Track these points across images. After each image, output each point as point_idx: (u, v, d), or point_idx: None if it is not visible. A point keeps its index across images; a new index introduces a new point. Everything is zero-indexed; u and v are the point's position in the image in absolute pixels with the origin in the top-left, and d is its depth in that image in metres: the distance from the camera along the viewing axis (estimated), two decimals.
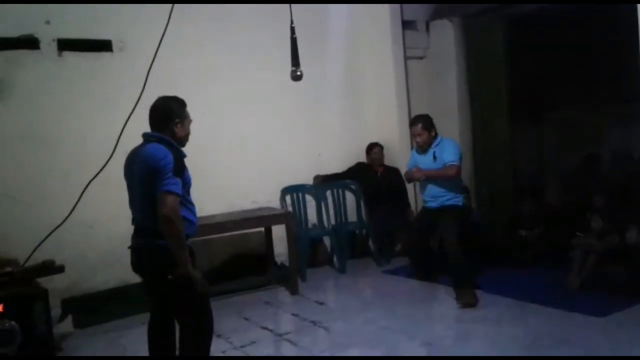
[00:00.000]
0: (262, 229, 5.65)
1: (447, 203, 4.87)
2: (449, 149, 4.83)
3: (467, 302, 4.54)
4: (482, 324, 4.17)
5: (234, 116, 5.69)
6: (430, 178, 4.85)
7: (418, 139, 4.88)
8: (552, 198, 7.48)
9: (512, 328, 3.98)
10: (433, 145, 4.88)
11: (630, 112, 6.93)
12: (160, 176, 2.65)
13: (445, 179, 4.80)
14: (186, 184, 2.83)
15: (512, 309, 4.37)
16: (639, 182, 6.15)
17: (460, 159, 4.83)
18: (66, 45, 4.83)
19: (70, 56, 4.86)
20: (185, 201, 2.83)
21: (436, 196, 4.90)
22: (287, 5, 3.59)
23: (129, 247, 3.00)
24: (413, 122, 4.99)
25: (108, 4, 4.94)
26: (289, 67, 3.68)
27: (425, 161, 4.92)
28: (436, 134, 4.93)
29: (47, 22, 4.75)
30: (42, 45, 4.73)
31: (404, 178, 5.19)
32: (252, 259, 5.61)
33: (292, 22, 3.61)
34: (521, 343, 3.69)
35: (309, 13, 5.54)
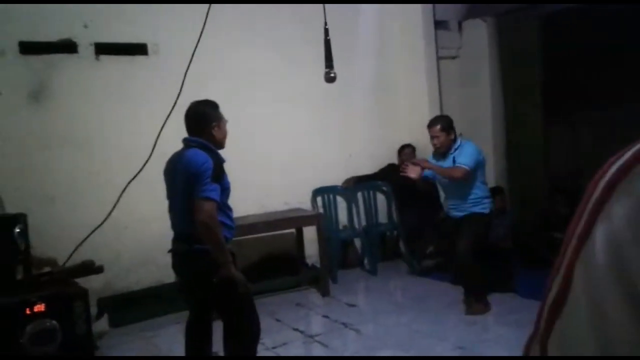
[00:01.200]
0: (294, 230, 5.67)
1: (473, 210, 4.58)
2: (466, 152, 4.52)
3: (476, 311, 4.49)
4: (515, 327, 4.11)
5: (266, 117, 5.73)
6: (431, 170, 4.59)
7: (435, 141, 4.58)
8: None
9: None
10: (452, 150, 4.58)
11: None
12: (199, 181, 2.70)
13: (449, 179, 4.53)
14: (225, 189, 2.88)
15: None
16: None
17: (477, 163, 4.52)
18: (103, 49, 4.94)
19: (107, 60, 4.97)
20: (224, 206, 2.88)
21: (459, 204, 4.64)
22: (320, 5, 3.59)
23: (169, 251, 3.04)
24: (431, 123, 4.66)
25: (143, 4, 5.02)
26: (320, 68, 3.69)
27: (446, 166, 4.59)
28: (456, 138, 4.63)
29: (85, 27, 4.86)
30: (80, 49, 4.85)
31: (401, 172, 4.74)
32: (284, 260, 5.63)
33: (325, 24, 3.61)
34: None
35: (341, 13, 5.54)
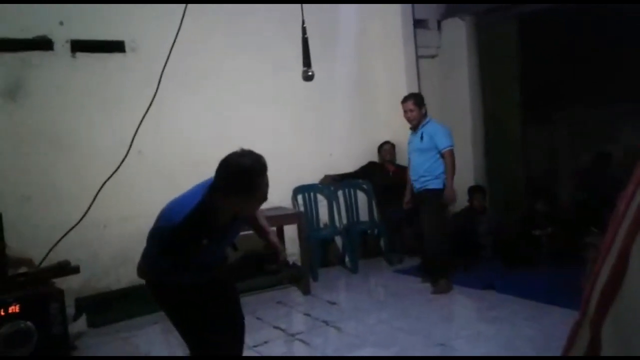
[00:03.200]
0: (274, 228, 5.65)
1: (430, 186, 4.96)
2: (441, 133, 4.98)
3: (440, 289, 4.91)
4: (495, 324, 4.15)
5: (245, 116, 5.70)
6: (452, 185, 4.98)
7: (409, 114, 5.04)
8: (564, 197, 7.42)
9: (525, 329, 3.96)
10: (421, 126, 5.04)
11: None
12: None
13: (452, 168, 4.94)
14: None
15: (526, 310, 4.35)
16: None
17: (452, 140, 5.01)
18: (79, 46, 4.87)
19: (84, 57, 4.90)
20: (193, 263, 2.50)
21: (420, 177, 5.03)
22: (298, 5, 3.58)
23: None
24: (405, 98, 5.13)
25: (120, 4, 4.97)
26: (300, 67, 3.68)
27: (416, 141, 5.08)
28: (426, 114, 5.09)
29: (61, 24, 4.80)
30: (55, 46, 4.78)
31: (449, 202, 5.11)
32: (260, 260, 5.59)
33: (303, 22, 3.60)
34: (535, 344, 3.67)
35: (319, 12, 5.53)
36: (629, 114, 7.09)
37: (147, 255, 2.58)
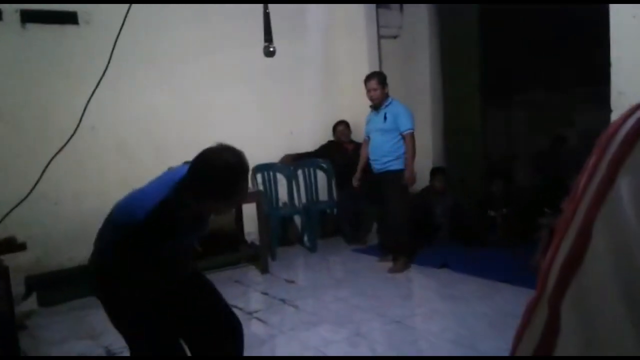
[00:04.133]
0: (233, 209, 5.61)
1: (391, 168, 4.99)
2: (404, 115, 4.99)
3: (398, 269, 5.00)
4: (450, 302, 4.23)
5: (204, 92, 5.60)
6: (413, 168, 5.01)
7: (372, 94, 5.02)
8: (521, 179, 7.59)
9: (480, 306, 4.04)
10: (384, 106, 5.04)
11: (597, 94, 7.02)
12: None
13: (413, 151, 4.97)
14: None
15: (481, 288, 4.44)
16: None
17: (414, 122, 5.05)
18: (30, 16, 4.68)
19: (34, 28, 4.71)
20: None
21: (381, 156, 5.04)
22: None
23: None
24: (368, 77, 5.10)
25: None
26: (262, 43, 3.62)
27: (377, 121, 5.08)
28: (388, 94, 5.09)
29: None
30: (4, 15, 4.58)
31: (409, 184, 5.10)
32: (222, 238, 5.56)
33: None
34: (489, 320, 3.75)
35: None
36: (584, 98, 7.27)
37: (102, 251, 2.29)
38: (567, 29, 6.79)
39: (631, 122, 0.45)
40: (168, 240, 2.19)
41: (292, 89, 6.30)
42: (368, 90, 5.05)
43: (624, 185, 0.43)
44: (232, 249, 5.56)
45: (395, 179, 4.96)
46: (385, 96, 5.05)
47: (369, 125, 5.20)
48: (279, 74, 6.02)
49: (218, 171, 2.02)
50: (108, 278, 2.27)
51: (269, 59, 3.73)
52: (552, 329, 0.45)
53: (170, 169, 2.38)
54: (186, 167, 2.12)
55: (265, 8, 3.57)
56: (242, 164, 2.08)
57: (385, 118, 5.01)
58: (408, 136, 4.95)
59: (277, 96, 6.18)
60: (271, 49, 3.62)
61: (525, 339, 0.48)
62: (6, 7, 4.58)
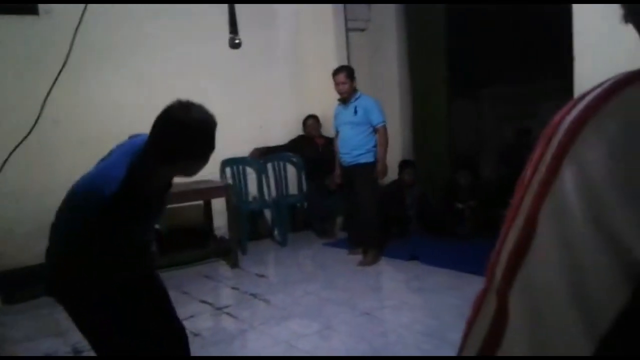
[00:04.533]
0: (202, 201, 5.55)
1: (362, 161, 5.00)
2: (375, 109, 5.02)
3: (368, 262, 5.02)
4: (419, 294, 4.27)
5: (170, 85, 5.50)
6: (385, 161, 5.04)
7: (340, 87, 5.03)
8: (487, 171, 7.69)
9: (448, 297, 4.09)
10: (353, 99, 5.05)
11: (560, 87, 7.14)
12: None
13: (386, 145, 5.01)
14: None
15: (450, 279, 4.49)
16: None
17: (384, 115, 5.08)
18: None
19: None
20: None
21: (351, 150, 5.05)
22: None
23: None
24: (337, 71, 5.10)
25: None
26: (227, 34, 3.58)
27: (347, 115, 5.08)
28: (356, 88, 5.10)
29: None
30: None
31: (381, 177, 5.16)
32: (192, 233, 5.51)
33: None
34: (458, 311, 3.78)
35: None
36: (549, 91, 7.39)
37: (59, 243, 2.14)
38: (533, 22, 6.89)
39: (575, 112, 0.46)
40: (134, 219, 2.06)
41: (261, 82, 6.25)
42: (336, 84, 5.04)
43: (567, 176, 0.43)
44: (201, 243, 5.51)
45: (366, 172, 4.98)
46: (354, 90, 5.06)
47: (338, 119, 5.20)
48: (246, 67, 5.97)
49: (192, 129, 1.89)
50: (68, 273, 2.07)
51: (236, 52, 3.69)
52: (500, 318, 0.45)
53: (132, 137, 2.22)
54: (146, 134, 1.98)
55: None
56: (212, 117, 1.99)
57: (355, 111, 5.01)
58: (381, 129, 4.98)
59: (245, 89, 6.12)
60: (236, 41, 3.58)
61: (475, 329, 0.49)
62: None
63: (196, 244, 5.44)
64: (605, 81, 0.46)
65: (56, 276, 2.13)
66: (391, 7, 6.64)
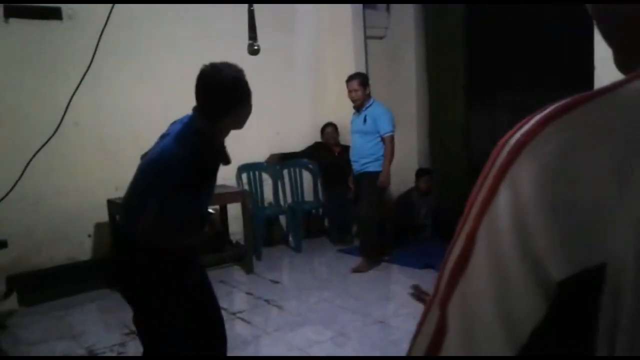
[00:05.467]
0: (218, 206, 5.57)
1: (369, 169, 5.00)
2: (384, 117, 4.98)
3: (360, 269, 5.05)
4: None
5: (188, 90, 5.53)
6: (389, 171, 4.99)
7: (353, 94, 5.01)
8: None
9: None
10: (365, 107, 5.03)
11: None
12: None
13: (391, 155, 4.97)
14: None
15: None
16: None
17: (394, 125, 5.02)
18: (13, 11, 4.60)
19: (17, 23, 4.63)
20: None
21: (360, 158, 5.04)
22: None
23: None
24: (350, 78, 5.09)
25: None
26: (246, 40, 3.59)
27: (358, 123, 5.08)
28: (370, 95, 5.07)
29: None
30: None
31: (384, 186, 5.12)
32: (207, 237, 5.51)
33: None
34: None
35: None
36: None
37: (143, 221, 2.10)
38: (553, 29, 6.83)
39: (518, 134, 0.48)
40: (206, 189, 2.20)
41: (279, 88, 6.26)
42: (349, 91, 5.04)
43: (502, 198, 0.45)
44: (215, 247, 5.51)
45: (371, 181, 4.98)
46: (367, 97, 5.04)
47: (351, 126, 5.21)
48: (264, 73, 5.97)
49: (229, 83, 2.19)
50: (155, 250, 2.11)
51: (255, 58, 3.69)
52: (440, 329, 0.48)
53: (173, 123, 2.40)
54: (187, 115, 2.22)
55: (250, 5, 3.54)
56: (239, 70, 2.28)
57: (365, 120, 5.00)
58: (388, 139, 4.94)
59: (263, 96, 6.08)
60: (255, 47, 3.58)
61: (419, 338, 0.52)
62: None
63: (212, 248, 5.45)
64: (553, 103, 0.48)
65: (145, 261, 2.16)
66: (410, 15, 6.63)
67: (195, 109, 2.27)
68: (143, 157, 2.36)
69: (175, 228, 2.11)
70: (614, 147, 0.41)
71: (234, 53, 5.05)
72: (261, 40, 3.61)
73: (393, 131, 4.98)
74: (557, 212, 0.42)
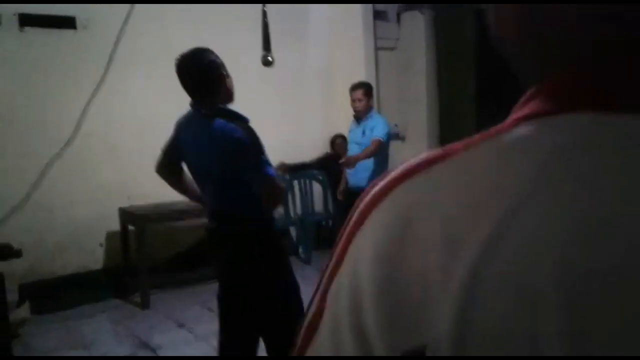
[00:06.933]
0: None
1: (363, 184, 4.74)
2: (380, 127, 4.83)
3: None
4: None
5: None
6: (358, 161, 4.78)
7: (357, 104, 4.90)
8: None
9: None
10: (365, 118, 4.93)
11: None
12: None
13: (370, 156, 4.75)
14: None
15: None
16: None
17: (388, 135, 4.88)
18: (28, 20, 4.65)
19: (32, 32, 4.68)
20: None
21: (356, 171, 4.84)
22: None
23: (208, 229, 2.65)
24: (355, 86, 4.95)
25: None
26: (259, 52, 3.62)
27: (357, 134, 4.98)
28: (372, 107, 5.01)
29: None
30: (2, 19, 4.55)
31: (345, 161, 4.94)
32: None
33: (263, 6, 3.54)
34: None
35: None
36: None
37: (233, 193, 2.45)
38: None
39: (371, 193, 0.43)
40: None
41: (289, 100, 6.28)
42: (353, 100, 4.94)
43: (346, 266, 0.42)
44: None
45: None
46: (369, 108, 4.96)
47: (350, 135, 5.13)
48: (276, 84, 6.01)
49: (208, 61, 2.44)
50: (267, 219, 2.54)
51: (267, 68, 3.72)
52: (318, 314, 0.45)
53: (180, 124, 2.61)
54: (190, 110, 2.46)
55: (264, 17, 3.56)
56: (202, 48, 2.54)
57: (364, 133, 4.92)
58: (375, 141, 4.73)
59: (273, 107, 6.15)
60: (269, 58, 3.62)
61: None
62: (4, 11, 4.56)
63: None
64: (408, 162, 0.43)
65: (253, 225, 2.48)
66: (420, 26, 6.65)
67: (194, 103, 2.46)
68: (174, 161, 2.62)
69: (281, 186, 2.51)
70: (448, 219, 0.36)
71: (248, 63, 5.11)
72: (274, 51, 3.64)
73: (383, 139, 4.78)
74: (386, 292, 0.38)
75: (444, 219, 0.36)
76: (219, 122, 2.40)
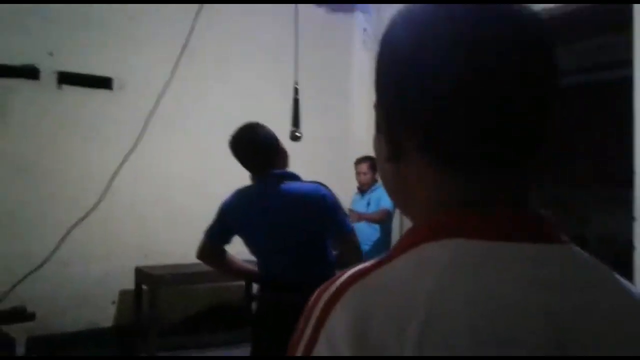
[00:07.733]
0: (243, 282, 5.50)
1: (367, 258, 4.76)
2: (385, 196, 4.69)
3: None
4: None
5: (232, 164, 5.57)
6: (362, 220, 4.84)
7: (361, 177, 5.06)
8: None
9: None
10: (370, 190, 5.05)
11: (615, 195, 6.94)
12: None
13: (374, 221, 4.87)
14: None
15: None
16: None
17: (394, 208, 4.83)
18: (66, 78, 4.80)
19: (70, 90, 4.82)
20: None
21: (361, 244, 4.80)
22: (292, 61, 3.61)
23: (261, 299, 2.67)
24: (360, 160, 5.13)
25: (115, 37, 4.93)
26: (288, 121, 3.67)
27: (361, 206, 5.06)
28: (377, 179, 5.03)
29: (50, 54, 4.74)
30: (42, 76, 4.70)
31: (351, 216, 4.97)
32: (231, 313, 5.42)
33: (295, 82, 3.62)
34: None
35: (313, 66, 5.44)
36: (602, 198, 7.20)
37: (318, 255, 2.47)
38: (589, 121, 6.79)
39: (331, 290, 0.55)
40: None
41: (311, 166, 6.21)
42: (358, 174, 5.09)
43: (322, 345, 0.51)
44: (238, 325, 5.40)
45: None
46: (374, 181, 5.05)
47: (353, 206, 5.14)
48: (300, 151, 6.00)
49: (266, 133, 2.57)
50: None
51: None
52: None
53: (248, 187, 2.65)
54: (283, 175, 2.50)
55: (295, 94, 3.65)
56: (255, 123, 2.66)
57: (368, 204, 5.01)
58: (382, 210, 4.86)
59: (298, 171, 6.12)
60: (297, 134, 3.68)
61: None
62: (44, 68, 4.71)
63: (235, 325, 5.34)
64: (351, 269, 0.58)
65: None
66: None
67: (260, 174, 2.51)
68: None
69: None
70: (394, 309, 0.51)
71: (279, 131, 5.15)
72: (303, 117, 3.67)
73: (391, 210, 4.87)
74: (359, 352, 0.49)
75: (389, 309, 0.51)
76: (292, 184, 2.48)
